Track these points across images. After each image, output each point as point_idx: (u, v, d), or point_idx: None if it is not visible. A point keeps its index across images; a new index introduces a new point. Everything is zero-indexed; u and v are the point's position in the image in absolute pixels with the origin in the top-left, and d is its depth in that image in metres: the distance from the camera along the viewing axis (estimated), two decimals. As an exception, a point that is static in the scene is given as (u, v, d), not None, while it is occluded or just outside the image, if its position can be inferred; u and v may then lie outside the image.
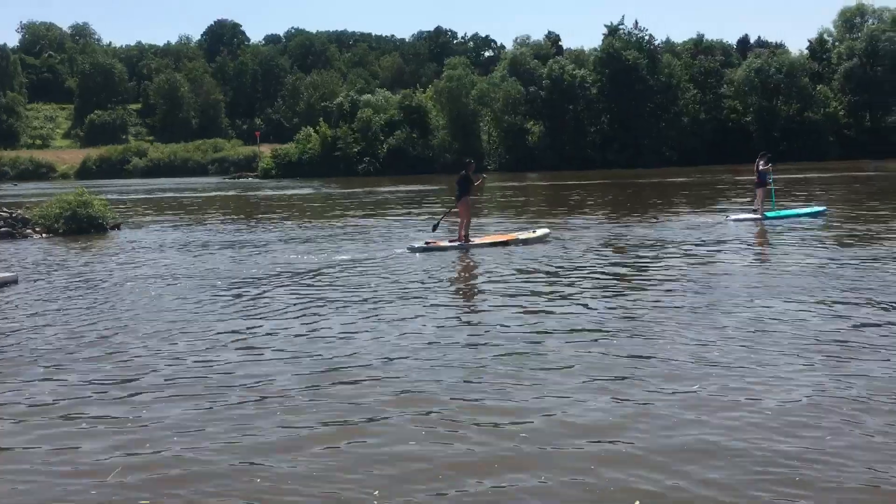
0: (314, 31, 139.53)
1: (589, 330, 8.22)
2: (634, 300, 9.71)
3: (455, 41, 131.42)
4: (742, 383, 6.31)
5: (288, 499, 4.65)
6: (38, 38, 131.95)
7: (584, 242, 15.68)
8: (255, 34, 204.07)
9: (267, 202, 35.27)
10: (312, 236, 18.60)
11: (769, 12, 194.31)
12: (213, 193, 45.23)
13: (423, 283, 11.49)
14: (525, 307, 9.47)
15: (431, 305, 9.78)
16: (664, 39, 77.96)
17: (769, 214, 19.01)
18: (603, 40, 70.90)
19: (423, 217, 23.10)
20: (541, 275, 11.87)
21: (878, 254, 12.88)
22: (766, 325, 8.16)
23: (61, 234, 19.86)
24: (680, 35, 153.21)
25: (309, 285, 11.56)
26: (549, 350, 7.47)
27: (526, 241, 15.59)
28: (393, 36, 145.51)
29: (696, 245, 14.80)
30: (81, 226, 20.29)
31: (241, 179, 69.61)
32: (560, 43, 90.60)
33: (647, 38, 70.13)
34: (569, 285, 10.85)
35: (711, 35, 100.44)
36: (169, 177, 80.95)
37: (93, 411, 6.20)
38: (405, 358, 7.34)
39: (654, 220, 20.02)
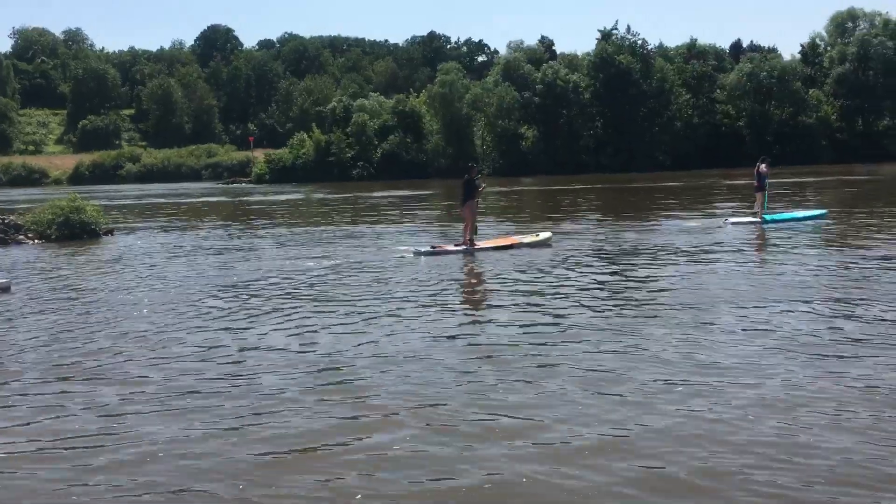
0: (308, 37, 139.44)
1: (589, 330, 8.27)
2: (636, 303, 9.77)
3: (448, 46, 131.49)
4: (737, 384, 6.35)
5: (284, 502, 4.63)
6: (30, 43, 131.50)
7: (586, 246, 15.79)
8: (249, 39, 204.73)
9: (259, 207, 35.20)
10: (308, 240, 18.57)
11: (761, 17, 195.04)
12: (207, 199, 45.13)
13: (430, 286, 11.53)
14: (528, 309, 9.54)
15: (439, 308, 9.84)
16: (657, 44, 77.90)
17: (768, 218, 19.06)
18: (596, 45, 71.00)
19: (422, 221, 23.07)
20: (544, 277, 11.94)
21: (877, 255, 12.97)
22: (760, 327, 8.20)
23: (54, 239, 19.77)
24: (673, 39, 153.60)
25: (309, 285, 11.55)
26: (550, 350, 7.53)
27: (530, 245, 15.70)
28: (386, 41, 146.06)
29: (695, 248, 14.84)
30: (74, 231, 20.20)
31: (235, 185, 69.49)
32: (554, 48, 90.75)
33: (640, 42, 70.31)
34: (571, 288, 10.90)
35: (704, 39, 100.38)
36: (162, 182, 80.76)
37: (82, 421, 6.14)
38: (410, 359, 7.40)
39: (652, 224, 20.08)
